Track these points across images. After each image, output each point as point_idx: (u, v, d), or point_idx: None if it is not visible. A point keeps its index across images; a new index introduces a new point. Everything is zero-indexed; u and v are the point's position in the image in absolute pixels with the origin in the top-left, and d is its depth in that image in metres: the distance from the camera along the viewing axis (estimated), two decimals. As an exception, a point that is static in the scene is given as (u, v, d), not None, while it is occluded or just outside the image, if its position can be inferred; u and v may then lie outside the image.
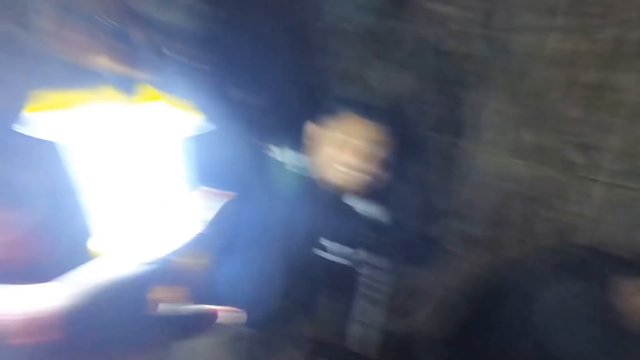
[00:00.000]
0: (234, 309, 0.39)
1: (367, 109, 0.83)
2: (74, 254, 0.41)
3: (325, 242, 0.88)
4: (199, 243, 0.40)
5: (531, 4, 1.44)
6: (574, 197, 1.42)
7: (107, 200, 0.41)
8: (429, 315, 1.44)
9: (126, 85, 0.38)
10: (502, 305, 1.01)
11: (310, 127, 0.87)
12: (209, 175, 0.67)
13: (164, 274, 0.35)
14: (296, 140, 0.88)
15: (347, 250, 0.89)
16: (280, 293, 0.87)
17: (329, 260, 0.88)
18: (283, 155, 0.83)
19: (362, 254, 0.93)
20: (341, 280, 0.95)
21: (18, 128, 0.37)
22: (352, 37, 2.49)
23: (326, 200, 0.86)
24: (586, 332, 0.80)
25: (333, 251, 0.89)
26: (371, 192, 0.89)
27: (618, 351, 0.76)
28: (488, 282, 1.15)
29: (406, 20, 2.13)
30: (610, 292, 0.81)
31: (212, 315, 0.38)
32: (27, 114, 0.36)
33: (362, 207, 0.93)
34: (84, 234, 0.44)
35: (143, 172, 0.41)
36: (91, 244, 0.46)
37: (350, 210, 0.91)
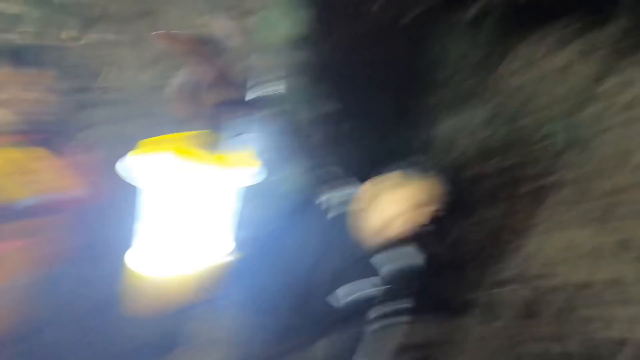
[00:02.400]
0: None
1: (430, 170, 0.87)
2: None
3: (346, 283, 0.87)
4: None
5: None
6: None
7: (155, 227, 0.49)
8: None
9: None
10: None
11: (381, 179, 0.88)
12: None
13: None
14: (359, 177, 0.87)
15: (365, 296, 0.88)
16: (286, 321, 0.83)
17: (341, 302, 0.87)
18: (332, 189, 0.82)
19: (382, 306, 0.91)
20: (350, 323, 0.91)
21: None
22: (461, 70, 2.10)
23: (356, 245, 0.85)
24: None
25: (350, 293, 0.88)
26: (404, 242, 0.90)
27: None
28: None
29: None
30: None
31: None
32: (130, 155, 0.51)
33: (392, 256, 0.91)
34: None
35: (192, 211, 0.50)
36: (128, 256, 0.55)
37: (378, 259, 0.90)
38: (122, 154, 1.77)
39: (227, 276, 0.82)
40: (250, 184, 0.62)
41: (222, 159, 0.51)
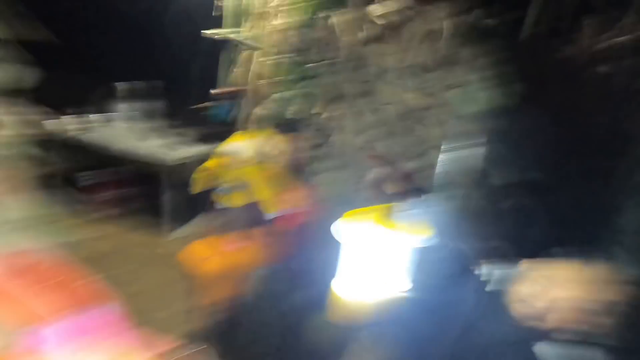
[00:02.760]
0: None
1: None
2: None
3: None
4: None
5: None
6: None
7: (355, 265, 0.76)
8: None
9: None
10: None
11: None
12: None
13: None
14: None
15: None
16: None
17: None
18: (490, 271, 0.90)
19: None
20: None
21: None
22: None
23: (520, 330, 0.82)
24: None
25: None
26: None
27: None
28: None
29: None
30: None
31: None
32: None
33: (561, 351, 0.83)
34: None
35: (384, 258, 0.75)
36: (334, 285, 0.78)
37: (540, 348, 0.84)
38: (339, 193, 2.28)
39: (388, 314, 1.03)
40: (419, 246, 0.82)
41: (399, 226, 0.73)
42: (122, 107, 2.67)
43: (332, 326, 1.82)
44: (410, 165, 2.18)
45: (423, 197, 0.79)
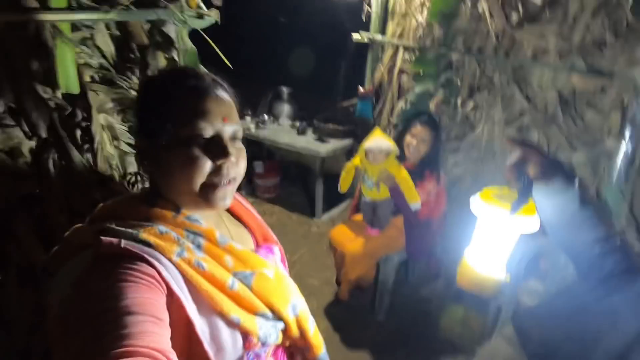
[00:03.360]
0: None
1: None
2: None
3: None
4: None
5: None
6: None
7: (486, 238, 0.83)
8: None
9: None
10: None
11: None
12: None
13: None
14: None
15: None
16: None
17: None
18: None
19: None
20: None
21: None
22: None
23: None
24: None
25: None
26: None
27: None
28: None
29: None
30: None
31: None
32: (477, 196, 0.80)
33: None
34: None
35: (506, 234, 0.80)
36: (466, 252, 0.76)
37: None
38: (473, 186, 2.18)
39: (534, 306, 0.99)
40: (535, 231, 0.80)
41: (528, 210, 0.70)
42: (285, 107, 3.19)
43: (466, 314, 1.82)
44: (577, 155, 1.89)
45: (574, 184, 0.72)
